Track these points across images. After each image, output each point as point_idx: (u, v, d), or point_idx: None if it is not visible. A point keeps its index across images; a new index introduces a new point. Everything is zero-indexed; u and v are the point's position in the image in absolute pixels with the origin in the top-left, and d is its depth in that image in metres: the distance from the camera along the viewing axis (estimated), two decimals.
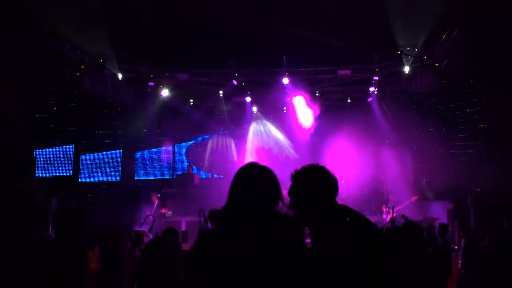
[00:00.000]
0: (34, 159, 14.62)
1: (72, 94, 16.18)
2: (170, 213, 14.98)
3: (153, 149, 18.68)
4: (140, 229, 12.96)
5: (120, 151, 17.43)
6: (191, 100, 18.57)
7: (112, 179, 17.16)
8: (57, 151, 15.72)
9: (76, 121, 16.53)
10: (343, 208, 3.11)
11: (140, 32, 14.21)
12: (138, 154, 18.44)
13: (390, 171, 16.95)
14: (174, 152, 18.96)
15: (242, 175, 2.88)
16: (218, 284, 2.66)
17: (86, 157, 16.58)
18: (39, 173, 14.89)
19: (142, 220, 12.66)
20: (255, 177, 2.86)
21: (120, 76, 16.04)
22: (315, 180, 3.13)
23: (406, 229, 6.63)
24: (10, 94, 13.62)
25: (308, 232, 3.13)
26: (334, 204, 3.10)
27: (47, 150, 15.47)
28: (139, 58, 16.11)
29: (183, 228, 14.04)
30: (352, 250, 2.81)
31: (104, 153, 17.08)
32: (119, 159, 17.51)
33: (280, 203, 2.85)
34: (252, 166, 2.94)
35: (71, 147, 16.01)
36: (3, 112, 12.99)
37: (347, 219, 3.00)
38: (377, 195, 16.21)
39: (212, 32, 14.52)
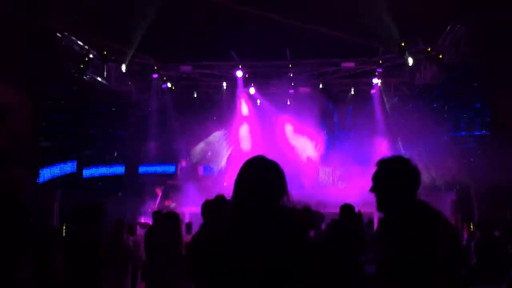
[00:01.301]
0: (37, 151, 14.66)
1: (76, 87, 16.15)
2: (173, 204, 15.03)
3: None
4: (143, 222, 13.08)
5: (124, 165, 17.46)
6: (195, 93, 18.59)
7: (116, 173, 17.20)
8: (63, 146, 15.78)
9: (80, 115, 16.56)
10: (424, 202, 3.14)
11: (145, 24, 14.22)
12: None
13: None
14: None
15: (247, 168, 2.87)
16: (221, 280, 2.67)
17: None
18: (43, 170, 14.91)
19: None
20: (261, 171, 2.83)
21: (123, 68, 16.04)
22: (404, 170, 3.17)
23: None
24: (14, 88, 13.64)
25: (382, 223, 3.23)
26: (416, 197, 3.14)
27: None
28: (143, 50, 16.11)
29: (187, 219, 14.06)
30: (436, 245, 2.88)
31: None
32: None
33: (285, 198, 2.84)
34: (258, 159, 2.90)
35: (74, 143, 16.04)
36: (7, 106, 13.02)
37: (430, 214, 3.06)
38: None
39: (216, 24, 14.52)
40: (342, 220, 6.73)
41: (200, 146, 17.89)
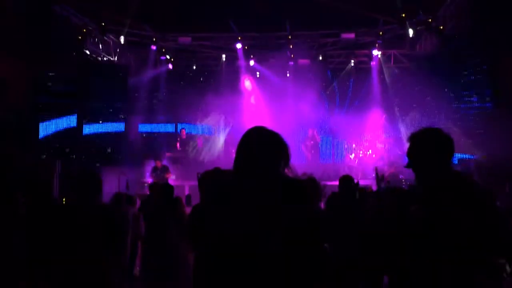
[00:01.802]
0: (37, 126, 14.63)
1: (75, 58, 16.03)
2: (173, 177, 15.10)
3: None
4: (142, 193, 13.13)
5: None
6: (194, 66, 18.53)
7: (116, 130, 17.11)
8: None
9: (79, 85, 16.47)
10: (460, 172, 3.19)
11: None
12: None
13: (392, 135, 17.04)
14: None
15: (247, 138, 2.88)
16: (231, 253, 2.69)
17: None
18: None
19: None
20: (260, 140, 2.85)
21: (122, 40, 15.95)
22: (438, 141, 3.20)
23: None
24: (11, 59, 13.56)
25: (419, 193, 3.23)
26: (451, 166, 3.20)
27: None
28: (141, 21, 15.99)
29: (187, 192, 14.15)
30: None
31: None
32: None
33: (287, 168, 2.85)
34: (257, 129, 2.92)
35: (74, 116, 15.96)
36: (4, 78, 12.97)
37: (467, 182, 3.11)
38: (381, 159, 16.23)
39: None
40: (341, 192, 6.81)
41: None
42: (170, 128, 19.09)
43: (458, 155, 14.28)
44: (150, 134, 18.80)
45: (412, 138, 3.28)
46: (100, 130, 16.37)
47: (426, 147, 3.18)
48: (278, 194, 2.69)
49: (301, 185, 2.81)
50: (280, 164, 2.80)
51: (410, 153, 3.25)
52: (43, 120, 14.77)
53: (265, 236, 2.62)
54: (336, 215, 6.36)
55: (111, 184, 12.07)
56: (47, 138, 14.71)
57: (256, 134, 2.89)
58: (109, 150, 16.25)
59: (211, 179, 5.46)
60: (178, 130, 17.85)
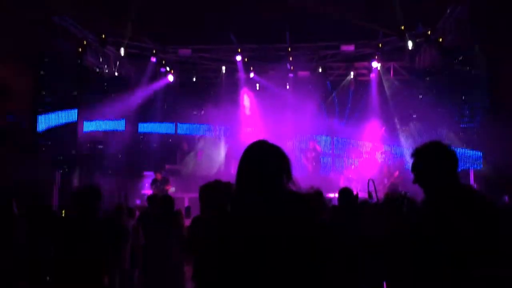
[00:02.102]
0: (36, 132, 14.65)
1: (75, 70, 16.06)
2: (173, 189, 15.07)
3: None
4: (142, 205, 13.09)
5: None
6: (194, 78, 18.57)
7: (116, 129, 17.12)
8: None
9: (79, 96, 16.50)
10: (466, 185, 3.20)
11: (143, 7, 14.14)
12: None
13: (392, 147, 17.06)
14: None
15: (249, 152, 2.87)
16: (236, 268, 2.67)
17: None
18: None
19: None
20: (263, 154, 2.83)
21: (122, 52, 15.98)
22: (443, 155, 3.22)
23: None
24: (13, 68, 13.61)
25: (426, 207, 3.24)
26: (458, 179, 3.19)
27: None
28: (142, 33, 16.04)
29: (186, 204, 14.13)
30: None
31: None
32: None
33: (289, 182, 2.84)
34: (260, 143, 2.90)
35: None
36: (6, 86, 13.00)
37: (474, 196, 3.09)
38: (381, 170, 16.21)
39: (214, 7, 14.42)
40: (341, 205, 6.80)
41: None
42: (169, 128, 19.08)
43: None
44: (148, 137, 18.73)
45: (416, 153, 3.30)
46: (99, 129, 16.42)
47: (431, 161, 3.19)
48: (281, 208, 2.68)
49: (304, 198, 2.80)
50: (283, 178, 2.80)
51: (415, 168, 3.27)
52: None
53: (270, 250, 2.60)
54: (337, 228, 6.35)
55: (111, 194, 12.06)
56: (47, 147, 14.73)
57: (258, 148, 2.88)
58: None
59: (212, 191, 5.46)
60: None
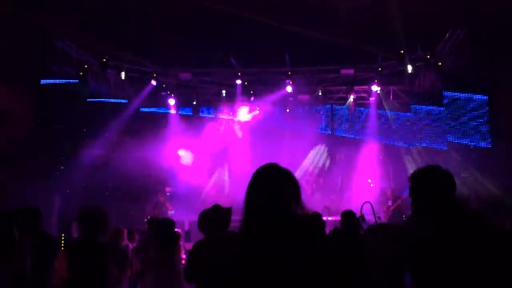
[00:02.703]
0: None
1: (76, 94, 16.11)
2: (172, 212, 15.01)
3: None
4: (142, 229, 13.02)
5: None
6: (194, 101, 18.60)
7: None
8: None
9: (80, 122, 16.52)
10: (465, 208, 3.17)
11: (144, 31, 14.25)
12: None
13: (391, 171, 17.03)
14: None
15: (260, 176, 2.85)
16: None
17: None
18: None
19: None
20: (275, 178, 2.81)
21: (123, 75, 16.03)
22: (443, 178, 3.20)
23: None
24: (13, 93, 13.65)
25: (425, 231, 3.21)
26: (456, 203, 3.16)
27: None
28: (142, 57, 16.12)
29: (187, 227, 14.05)
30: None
31: None
32: None
33: (298, 206, 2.82)
34: (271, 166, 2.88)
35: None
36: (6, 110, 13.02)
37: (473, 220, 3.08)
38: (382, 193, 16.14)
39: (215, 31, 14.53)
40: (344, 227, 6.76)
41: None
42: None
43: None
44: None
45: (413, 178, 3.28)
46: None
47: (429, 186, 3.18)
48: (292, 233, 2.67)
49: (314, 222, 2.79)
50: (292, 202, 2.78)
51: (413, 193, 3.26)
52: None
53: (281, 275, 2.57)
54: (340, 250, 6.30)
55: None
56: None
57: (269, 172, 2.86)
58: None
59: (211, 216, 5.46)
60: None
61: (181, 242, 8.55)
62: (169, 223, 7.81)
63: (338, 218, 7.21)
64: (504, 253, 2.90)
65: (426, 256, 3.03)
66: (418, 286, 3.11)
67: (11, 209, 5.90)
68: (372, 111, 17.87)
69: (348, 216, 6.79)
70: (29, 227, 5.74)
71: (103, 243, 5.39)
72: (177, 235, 7.94)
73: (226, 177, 17.90)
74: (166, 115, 18.49)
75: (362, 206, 7.68)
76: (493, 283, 2.85)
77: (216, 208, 5.58)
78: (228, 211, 5.57)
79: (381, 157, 17.32)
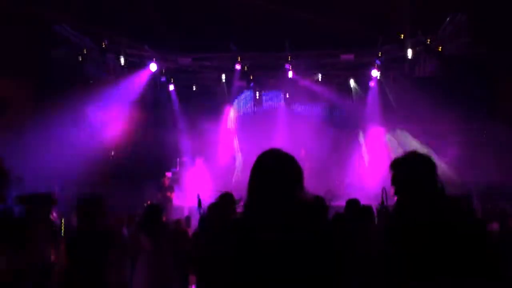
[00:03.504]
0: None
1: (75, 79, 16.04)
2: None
3: None
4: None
5: None
6: (194, 87, 18.58)
7: None
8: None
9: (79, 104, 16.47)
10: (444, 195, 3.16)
11: (142, 15, 14.18)
12: None
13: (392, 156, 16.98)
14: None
15: (261, 162, 2.85)
16: (248, 275, 2.65)
17: None
18: None
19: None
20: (275, 164, 2.81)
21: (122, 60, 15.98)
22: (420, 166, 3.19)
23: None
24: (12, 80, 13.62)
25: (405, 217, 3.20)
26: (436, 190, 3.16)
27: None
28: (141, 42, 16.06)
29: (186, 213, 14.09)
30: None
31: None
32: None
33: (302, 191, 2.83)
34: (274, 151, 2.88)
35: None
36: (5, 98, 13.01)
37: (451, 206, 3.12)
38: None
39: (214, 15, 14.45)
40: (347, 214, 6.70)
41: None
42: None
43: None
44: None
45: (394, 165, 3.27)
46: None
47: (412, 173, 3.18)
48: (296, 218, 2.69)
49: (318, 207, 2.80)
50: (296, 187, 2.79)
51: (395, 180, 3.25)
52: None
53: (285, 259, 2.59)
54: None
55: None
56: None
57: (272, 157, 2.86)
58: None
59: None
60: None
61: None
62: (155, 209, 7.75)
63: (341, 203, 7.17)
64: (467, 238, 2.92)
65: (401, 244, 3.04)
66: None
67: (27, 195, 5.94)
68: (373, 96, 17.84)
69: (352, 205, 6.70)
70: (44, 213, 5.79)
71: (102, 230, 5.41)
72: (165, 223, 7.94)
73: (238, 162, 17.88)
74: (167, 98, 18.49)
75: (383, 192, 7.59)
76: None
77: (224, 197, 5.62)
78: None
79: (384, 141, 17.29)
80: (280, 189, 2.73)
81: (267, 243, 2.62)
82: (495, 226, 9.08)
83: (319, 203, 5.93)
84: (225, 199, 5.54)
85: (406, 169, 3.21)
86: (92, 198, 5.47)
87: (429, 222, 2.99)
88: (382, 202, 7.33)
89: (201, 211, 7.88)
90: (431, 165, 3.17)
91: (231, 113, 18.85)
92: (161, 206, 7.91)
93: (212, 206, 5.67)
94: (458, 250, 2.88)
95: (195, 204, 13.87)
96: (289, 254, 2.59)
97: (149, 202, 13.72)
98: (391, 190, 3.24)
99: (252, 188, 2.82)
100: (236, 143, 18.57)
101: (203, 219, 6.83)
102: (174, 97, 18.50)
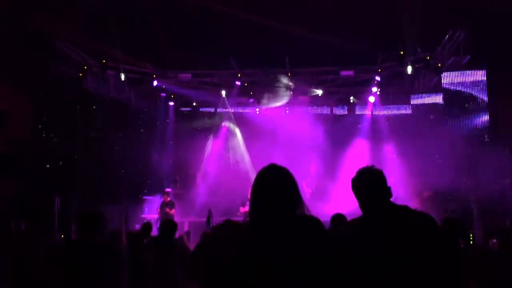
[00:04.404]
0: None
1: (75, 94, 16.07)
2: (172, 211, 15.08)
3: None
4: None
5: None
6: (194, 103, 18.62)
7: None
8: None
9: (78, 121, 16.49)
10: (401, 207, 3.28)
11: (143, 32, 14.26)
12: None
13: (392, 172, 16.95)
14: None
15: (261, 179, 2.87)
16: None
17: None
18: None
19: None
20: (275, 180, 2.83)
21: (123, 77, 16.04)
22: (374, 181, 3.35)
23: None
24: (13, 94, 13.66)
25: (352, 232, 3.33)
26: (391, 203, 3.30)
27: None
28: (142, 58, 16.12)
29: (186, 228, 14.05)
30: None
31: None
32: None
33: (302, 206, 2.84)
34: (270, 168, 2.90)
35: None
36: (6, 112, 13.03)
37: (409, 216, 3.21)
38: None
39: (215, 33, 14.53)
40: (333, 230, 6.63)
41: None
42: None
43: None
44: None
45: (357, 176, 3.45)
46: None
47: (363, 184, 3.38)
48: (297, 231, 2.70)
49: (318, 221, 2.81)
50: (296, 202, 2.81)
51: (353, 187, 3.44)
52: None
53: (285, 273, 2.59)
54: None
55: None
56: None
57: (272, 172, 2.89)
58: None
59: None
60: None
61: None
62: (170, 226, 7.78)
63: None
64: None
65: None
66: None
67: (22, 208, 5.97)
68: (373, 112, 17.87)
69: (337, 220, 6.67)
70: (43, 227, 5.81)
71: (100, 244, 5.40)
72: (176, 242, 7.92)
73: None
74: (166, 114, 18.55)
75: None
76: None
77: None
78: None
79: (394, 156, 17.25)
80: (280, 206, 2.75)
81: (266, 257, 2.63)
82: (494, 242, 9.04)
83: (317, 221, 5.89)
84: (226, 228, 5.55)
85: (361, 181, 3.40)
86: (91, 212, 5.48)
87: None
88: None
89: (209, 227, 7.93)
90: (381, 178, 3.35)
91: (230, 129, 18.85)
92: (176, 223, 7.93)
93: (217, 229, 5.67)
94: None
95: (195, 218, 13.93)
96: (288, 266, 2.60)
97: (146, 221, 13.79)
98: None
99: (254, 202, 2.84)
100: (231, 157, 18.61)
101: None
102: (173, 113, 18.53)
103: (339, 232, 6.38)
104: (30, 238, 5.18)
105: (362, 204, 3.34)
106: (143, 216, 15.36)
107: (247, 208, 14.09)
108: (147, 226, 9.17)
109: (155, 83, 16.81)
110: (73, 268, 5.18)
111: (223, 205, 15.98)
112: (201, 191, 17.04)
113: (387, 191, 3.31)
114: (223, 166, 18.08)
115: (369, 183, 3.34)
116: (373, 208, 3.27)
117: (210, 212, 9.46)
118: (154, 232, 10.35)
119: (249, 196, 2.91)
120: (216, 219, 15.13)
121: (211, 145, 18.54)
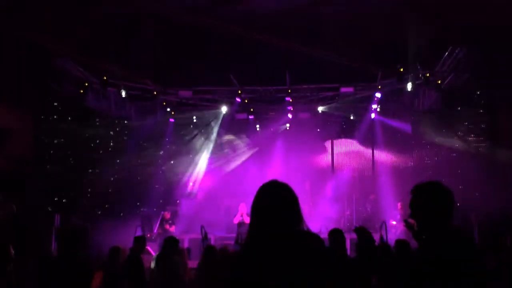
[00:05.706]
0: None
1: (76, 112, 16.10)
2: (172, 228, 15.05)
3: None
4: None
5: None
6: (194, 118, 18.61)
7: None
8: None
9: (80, 139, 16.49)
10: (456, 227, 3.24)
11: (143, 49, 14.31)
12: None
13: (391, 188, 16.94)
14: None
15: (262, 194, 2.87)
16: None
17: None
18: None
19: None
20: (275, 198, 2.83)
21: (123, 93, 16.06)
22: (440, 195, 3.27)
23: None
24: (14, 111, 13.67)
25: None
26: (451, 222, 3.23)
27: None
28: (143, 75, 16.14)
29: (186, 245, 14.00)
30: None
31: None
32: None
33: (301, 223, 2.84)
34: (271, 185, 2.90)
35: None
36: (6, 129, 13.03)
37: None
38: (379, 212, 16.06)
39: (215, 50, 14.59)
40: (331, 246, 6.63)
41: None
42: None
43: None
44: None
45: (415, 190, 3.34)
46: None
47: (427, 199, 3.24)
48: (296, 247, 2.70)
49: (317, 236, 2.80)
50: (295, 218, 2.81)
51: (412, 204, 3.32)
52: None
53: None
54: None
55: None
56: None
57: (272, 189, 2.89)
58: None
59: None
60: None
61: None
62: (173, 242, 7.78)
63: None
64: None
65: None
66: None
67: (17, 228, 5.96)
68: (374, 129, 17.91)
69: (335, 235, 6.66)
70: (31, 247, 5.80)
71: (81, 261, 5.38)
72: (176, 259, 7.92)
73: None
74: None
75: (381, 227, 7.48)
76: None
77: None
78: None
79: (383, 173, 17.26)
80: (279, 225, 2.75)
81: (265, 274, 2.62)
82: (491, 259, 8.95)
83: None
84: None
85: (421, 197, 3.29)
86: (72, 228, 5.50)
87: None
88: (381, 237, 7.28)
89: (205, 244, 7.89)
90: (446, 196, 3.24)
91: (233, 145, 18.87)
92: (178, 240, 7.94)
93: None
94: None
95: (196, 235, 13.87)
96: (290, 283, 2.59)
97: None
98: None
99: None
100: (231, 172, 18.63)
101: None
102: (172, 130, 18.53)
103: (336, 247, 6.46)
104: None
105: None
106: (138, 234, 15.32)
107: (239, 218, 14.12)
108: (141, 240, 9.09)
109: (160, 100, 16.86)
110: (46, 285, 5.20)
111: (223, 221, 16.00)
112: (201, 207, 17.01)
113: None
114: (223, 182, 18.08)
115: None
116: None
117: (202, 228, 9.35)
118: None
119: (240, 209, 2.93)
120: (217, 234, 15.17)
121: (210, 161, 18.53)
